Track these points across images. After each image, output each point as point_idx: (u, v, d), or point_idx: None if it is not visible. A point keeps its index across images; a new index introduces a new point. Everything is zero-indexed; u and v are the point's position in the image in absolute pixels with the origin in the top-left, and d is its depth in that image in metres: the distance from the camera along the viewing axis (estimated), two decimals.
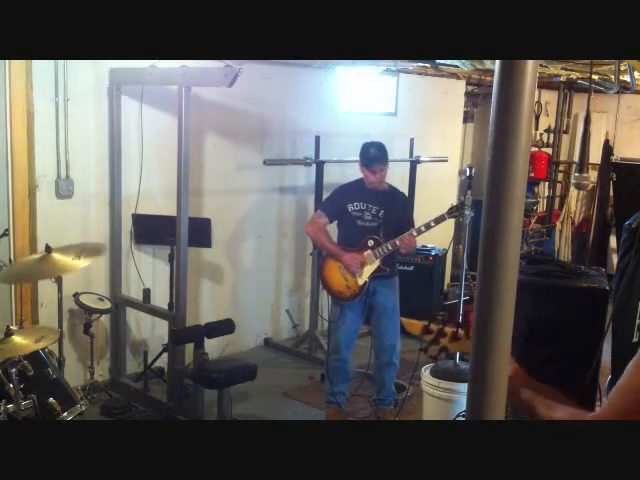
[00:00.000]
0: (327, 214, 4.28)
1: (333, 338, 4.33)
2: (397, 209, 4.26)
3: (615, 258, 7.51)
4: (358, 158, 4.23)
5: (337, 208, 4.27)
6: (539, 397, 1.44)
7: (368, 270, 4.13)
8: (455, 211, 4.03)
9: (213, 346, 4.68)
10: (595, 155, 7.97)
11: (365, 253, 4.13)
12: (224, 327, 4.09)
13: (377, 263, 4.11)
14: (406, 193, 5.97)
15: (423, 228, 4.05)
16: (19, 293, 4.20)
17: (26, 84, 4.05)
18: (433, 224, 4.05)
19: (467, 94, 7.34)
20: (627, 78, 5.00)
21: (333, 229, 4.38)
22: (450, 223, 6.39)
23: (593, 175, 8.23)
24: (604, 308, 3.41)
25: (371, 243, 4.13)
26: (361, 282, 4.14)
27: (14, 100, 4.02)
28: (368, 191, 4.20)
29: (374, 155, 4.15)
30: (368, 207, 4.20)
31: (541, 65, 5.05)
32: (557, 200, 8.62)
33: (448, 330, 1.60)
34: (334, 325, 4.30)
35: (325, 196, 4.75)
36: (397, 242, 4.04)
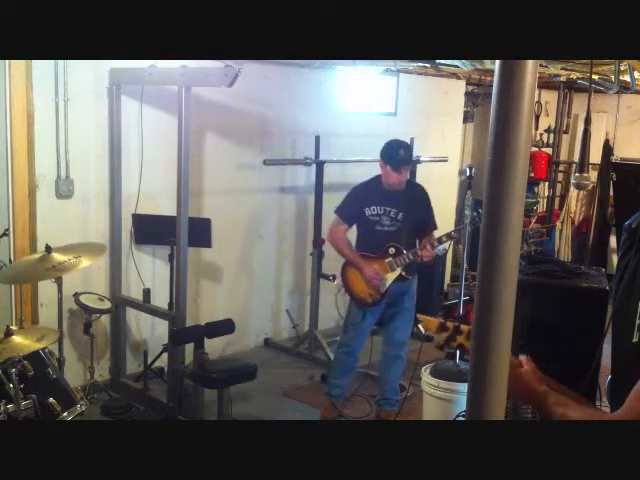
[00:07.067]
0: (345, 220, 4.19)
1: (348, 335, 4.31)
2: (417, 208, 4.14)
3: (615, 258, 7.51)
4: (379, 156, 4.06)
5: (354, 212, 4.16)
6: (554, 394, 1.41)
7: (390, 278, 4.07)
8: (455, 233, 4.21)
9: (213, 346, 4.68)
10: (595, 155, 7.98)
11: (386, 261, 4.06)
12: (224, 327, 4.10)
13: (398, 271, 4.06)
14: None
15: (444, 238, 4.10)
16: (19, 293, 4.20)
17: (26, 84, 4.04)
18: (454, 234, 4.19)
19: (467, 94, 7.33)
20: (627, 78, 5.00)
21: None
22: (450, 223, 6.43)
23: (593, 175, 8.24)
24: (604, 308, 3.41)
25: (392, 251, 4.05)
26: (383, 290, 4.09)
27: (14, 100, 4.02)
28: (385, 193, 4.08)
29: (403, 157, 3.99)
30: (386, 211, 4.08)
31: (541, 65, 5.04)
32: (557, 200, 8.62)
33: (464, 328, 1.56)
34: (353, 326, 4.27)
35: (337, 197, 4.51)
36: (418, 252, 4.01)
